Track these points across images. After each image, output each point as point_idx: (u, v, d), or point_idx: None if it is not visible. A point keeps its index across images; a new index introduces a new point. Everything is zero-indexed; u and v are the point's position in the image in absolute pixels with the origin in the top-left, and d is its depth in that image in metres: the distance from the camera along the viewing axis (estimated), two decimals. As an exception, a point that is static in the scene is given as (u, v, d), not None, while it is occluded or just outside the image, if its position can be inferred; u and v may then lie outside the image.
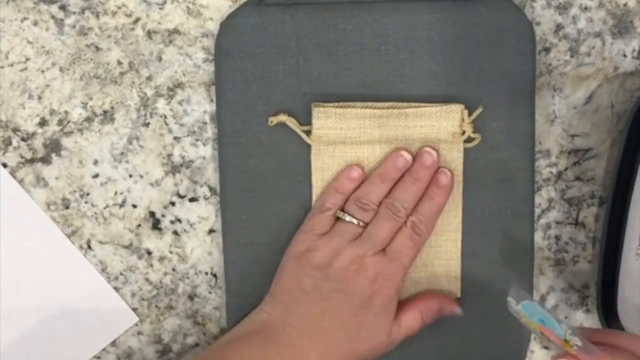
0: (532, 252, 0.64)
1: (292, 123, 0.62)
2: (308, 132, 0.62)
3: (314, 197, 0.62)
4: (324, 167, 0.62)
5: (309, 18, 0.61)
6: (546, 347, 0.66)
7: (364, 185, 0.61)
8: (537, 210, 0.65)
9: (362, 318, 0.59)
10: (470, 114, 0.61)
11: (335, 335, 0.59)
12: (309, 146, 0.62)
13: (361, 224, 0.60)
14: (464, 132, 0.62)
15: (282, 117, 0.62)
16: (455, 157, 0.62)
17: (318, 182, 0.62)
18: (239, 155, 0.62)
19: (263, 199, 0.63)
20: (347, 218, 0.60)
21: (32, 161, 0.64)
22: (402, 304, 0.61)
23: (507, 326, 0.64)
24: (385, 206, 0.60)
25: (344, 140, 0.62)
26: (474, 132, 0.62)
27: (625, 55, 0.64)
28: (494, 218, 0.63)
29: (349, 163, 0.62)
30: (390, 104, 0.62)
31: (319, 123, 0.61)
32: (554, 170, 0.65)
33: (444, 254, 0.63)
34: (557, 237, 0.66)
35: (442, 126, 0.61)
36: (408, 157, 0.61)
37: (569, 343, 0.52)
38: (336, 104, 0.61)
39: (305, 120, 0.62)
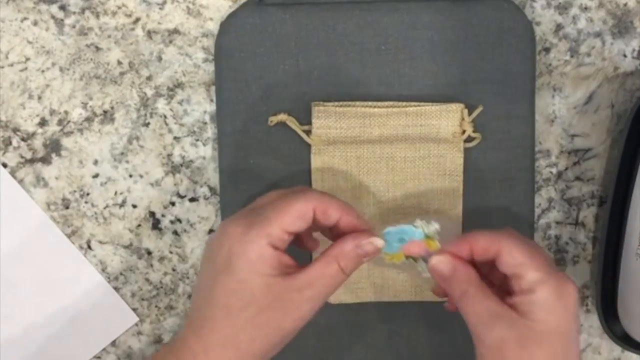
0: (532, 252, 0.64)
1: (292, 123, 0.62)
2: (308, 132, 0.62)
3: None
4: (324, 166, 0.62)
5: (309, 18, 0.61)
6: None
7: None
8: (537, 210, 0.65)
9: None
10: (470, 114, 0.61)
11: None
12: (309, 146, 0.62)
13: None
14: (464, 132, 0.62)
15: (282, 117, 0.62)
16: (455, 156, 0.62)
17: (318, 181, 0.62)
18: (239, 155, 0.62)
19: None
20: None
21: (32, 161, 0.64)
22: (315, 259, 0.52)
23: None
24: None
25: (344, 139, 0.62)
26: (474, 131, 0.62)
27: (625, 55, 0.64)
28: (494, 218, 0.63)
29: (349, 162, 0.62)
30: (390, 103, 0.62)
31: (319, 122, 0.61)
32: (554, 170, 0.65)
33: (444, 254, 0.63)
34: (557, 237, 0.66)
35: (442, 125, 0.61)
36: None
37: (433, 239, 0.51)
38: (336, 103, 0.61)
39: (305, 119, 0.62)
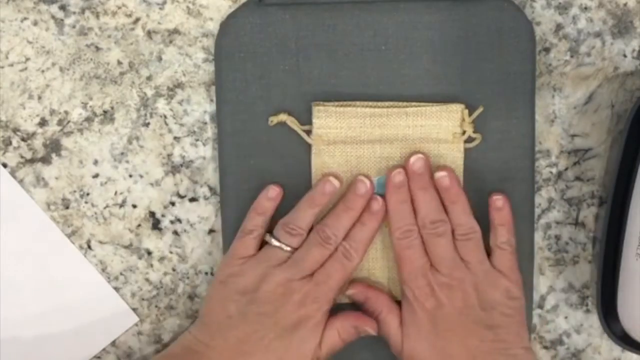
0: (532, 252, 0.64)
1: (292, 122, 0.62)
2: (308, 132, 0.62)
3: None
4: (324, 166, 0.62)
5: (309, 18, 0.61)
6: (546, 347, 0.66)
7: (292, 210, 0.61)
8: (537, 210, 0.65)
9: (287, 342, 0.59)
10: (470, 114, 0.61)
11: (258, 359, 0.59)
12: (309, 146, 0.62)
13: (289, 248, 0.60)
14: (464, 132, 0.62)
15: (283, 117, 0.62)
16: (455, 157, 0.62)
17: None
18: (239, 155, 0.62)
19: None
20: (275, 243, 0.60)
21: (32, 161, 0.64)
22: None
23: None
24: (316, 232, 0.60)
25: (344, 139, 0.62)
26: (474, 132, 0.62)
27: (625, 55, 0.64)
28: (494, 218, 0.63)
29: (349, 162, 0.62)
30: (391, 103, 0.62)
31: (319, 122, 0.61)
32: (554, 170, 0.65)
33: (444, 254, 0.63)
34: (557, 237, 0.66)
35: (443, 126, 0.61)
36: (336, 182, 0.61)
37: None
38: (336, 103, 0.61)
39: (306, 119, 0.62)
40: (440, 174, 0.60)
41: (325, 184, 0.61)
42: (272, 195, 0.62)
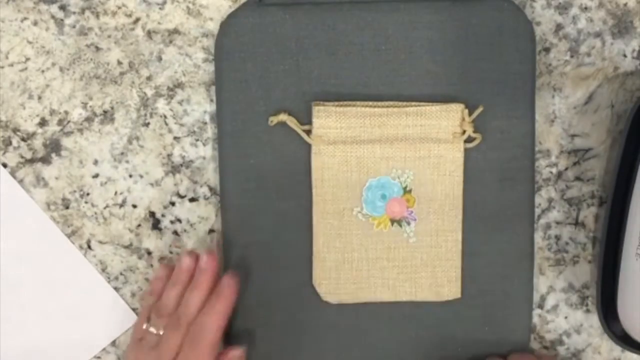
0: (532, 251, 0.64)
1: (292, 122, 0.62)
2: (308, 132, 0.62)
3: (314, 197, 0.62)
4: (324, 166, 0.62)
5: (309, 18, 0.61)
6: (546, 347, 0.66)
7: (164, 292, 0.61)
8: (537, 210, 0.65)
9: None
10: (470, 114, 0.61)
11: None
12: (309, 145, 0.62)
13: (157, 331, 0.60)
14: (464, 132, 0.62)
15: (283, 117, 0.62)
16: (455, 157, 0.62)
17: (318, 181, 0.62)
18: (239, 154, 0.62)
19: (263, 198, 0.63)
20: (149, 327, 0.60)
21: (32, 161, 0.64)
22: None
23: (506, 326, 0.64)
24: (173, 315, 0.60)
25: (344, 139, 0.62)
26: (474, 131, 0.62)
27: (625, 55, 0.64)
28: (494, 218, 0.63)
29: (349, 162, 0.62)
30: (391, 103, 0.62)
31: (319, 122, 0.61)
32: (554, 170, 0.65)
33: (444, 254, 0.63)
34: (557, 237, 0.66)
35: (443, 125, 0.61)
36: (188, 259, 0.61)
37: (410, 193, 0.62)
38: (336, 103, 0.61)
39: (306, 119, 0.62)
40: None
41: (182, 260, 0.61)
42: (160, 275, 0.62)
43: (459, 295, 0.64)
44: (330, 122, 0.61)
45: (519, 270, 0.64)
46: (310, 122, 0.62)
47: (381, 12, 0.61)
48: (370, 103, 0.62)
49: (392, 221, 0.62)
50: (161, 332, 0.59)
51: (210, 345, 0.59)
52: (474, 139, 0.62)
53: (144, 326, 0.60)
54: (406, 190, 0.62)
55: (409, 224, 0.62)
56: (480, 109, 0.61)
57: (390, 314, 0.64)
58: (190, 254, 0.61)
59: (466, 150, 0.62)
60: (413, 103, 0.62)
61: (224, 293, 0.60)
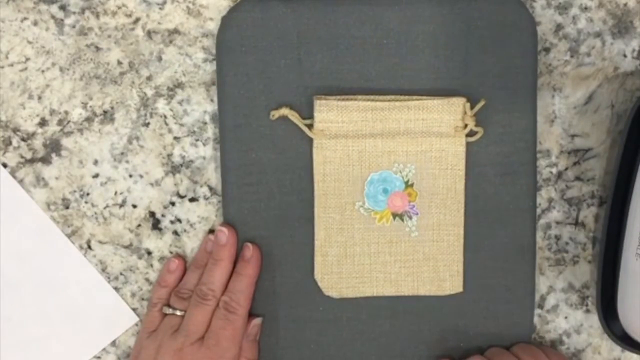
0: (534, 246, 0.64)
1: (294, 116, 0.62)
2: (310, 126, 0.62)
3: (316, 191, 0.62)
4: (325, 160, 0.62)
5: (310, 12, 0.61)
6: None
7: (184, 276, 0.63)
8: (537, 211, 0.65)
9: None
10: (472, 108, 0.61)
11: None
12: (310, 140, 0.62)
13: (180, 313, 0.61)
14: (466, 126, 0.61)
15: (284, 111, 0.62)
16: (457, 151, 0.62)
17: (320, 175, 0.62)
18: (241, 149, 0.62)
19: (265, 193, 0.63)
20: (169, 311, 0.61)
21: (32, 161, 0.64)
22: None
23: (509, 321, 0.64)
24: (195, 293, 0.61)
25: (346, 133, 0.62)
26: (476, 125, 0.62)
27: (625, 55, 0.64)
28: (496, 212, 0.63)
29: (351, 156, 0.62)
30: (392, 97, 0.62)
31: (320, 116, 0.61)
32: (554, 170, 0.65)
33: (446, 248, 0.63)
34: (557, 237, 0.66)
35: (444, 119, 0.61)
36: (221, 236, 0.62)
37: (412, 187, 0.62)
38: (338, 97, 0.61)
39: (307, 114, 0.62)
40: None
41: (207, 243, 0.63)
42: (172, 267, 0.63)
43: (461, 289, 0.64)
44: (332, 116, 0.61)
45: (521, 264, 0.64)
46: (312, 116, 0.62)
47: (383, 5, 0.61)
48: (372, 97, 0.62)
49: (394, 215, 0.62)
50: (180, 313, 0.60)
51: (247, 309, 0.61)
52: (476, 132, 0.62)
53: (168, 310, 0.61)
54: (408, 185, 0.62)
55: (410, 218, 0.63)
56: (482, 103, 0.61)
57: (392, 308, 0.64)
58: (211, 237, 0.63)
59: (468, 144, 0.62)
60: (415, 97, 0.62)
61: (251, 259, 0.61)
